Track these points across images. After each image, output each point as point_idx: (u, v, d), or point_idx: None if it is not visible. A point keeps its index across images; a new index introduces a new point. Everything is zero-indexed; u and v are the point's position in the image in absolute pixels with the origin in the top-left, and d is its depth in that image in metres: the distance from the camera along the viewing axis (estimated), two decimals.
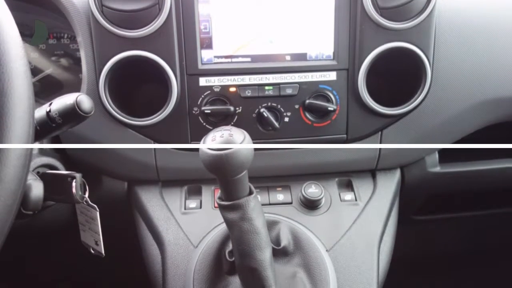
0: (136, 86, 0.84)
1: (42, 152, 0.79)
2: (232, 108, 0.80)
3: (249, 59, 0.81)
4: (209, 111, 0.79)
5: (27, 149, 0.46)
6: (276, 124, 0.80)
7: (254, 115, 0.81)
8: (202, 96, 0.80)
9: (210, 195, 0.85)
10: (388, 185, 0.88)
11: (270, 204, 0.84)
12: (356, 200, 0.86)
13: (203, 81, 0.79)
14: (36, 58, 0.91)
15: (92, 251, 0.77)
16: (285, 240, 0.74)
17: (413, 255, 1.25)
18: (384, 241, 0.82)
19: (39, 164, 0.76)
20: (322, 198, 0.82)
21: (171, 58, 0.77)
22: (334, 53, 0.81)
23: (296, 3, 0.79)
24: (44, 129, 0.61)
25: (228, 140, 0.57)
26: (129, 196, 0.88)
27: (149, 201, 0.85)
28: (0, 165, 0.43)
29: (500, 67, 0.86)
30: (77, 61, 0.91)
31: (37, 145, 0.78)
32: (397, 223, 0.87)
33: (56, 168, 0.79)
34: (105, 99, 0.78)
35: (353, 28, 0.79)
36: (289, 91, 0.80)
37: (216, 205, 0.81)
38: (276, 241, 0.75)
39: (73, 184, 0.67)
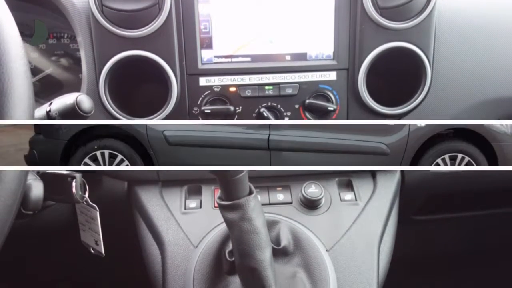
0: (136, 86, 0.84)
1: None
2: (232, 108, 0.80)
3: (249, 59, 0.81)
4: (209, 111, 0.79)
5: None
6: None
7: (254, 115, 0.81)
8: (202, 96, 0.80)
9: (210, 195, 0.85)
10: (388, 185, 0.88)
11: (270, 204, 0.84)
12: (356, 200, 0.85)
13: (203, 81, 0.79)
14: (36, 58, 0.91)
15: (92, 251, 0.77)
16: (285, 240, 0.74)
17: (413, 255, 1.25)
18: (384, 241, 0.82)
19: None
20: (322, 198, 0.82)
21: (171, 58, 0.77)
22: (334, 53, 0.81)
23: (296, 3, 0.79)
24: None
25: None
26: (129, 196, 0.88)
27: (149, 201, 0.85)
28: None
29: (500, 67, 0.86)
30: (77, 61, 0.91)
31: None
32: (397, 223, 0.87)
33: None
34: (105, 99, 0.78)
35: (353, 28, 0.79)
36: (289, 91, 0.80)
37: (216, 205, 0.81)
38: (276, 241, 0.75)
39: (73, 184, 0.67)
